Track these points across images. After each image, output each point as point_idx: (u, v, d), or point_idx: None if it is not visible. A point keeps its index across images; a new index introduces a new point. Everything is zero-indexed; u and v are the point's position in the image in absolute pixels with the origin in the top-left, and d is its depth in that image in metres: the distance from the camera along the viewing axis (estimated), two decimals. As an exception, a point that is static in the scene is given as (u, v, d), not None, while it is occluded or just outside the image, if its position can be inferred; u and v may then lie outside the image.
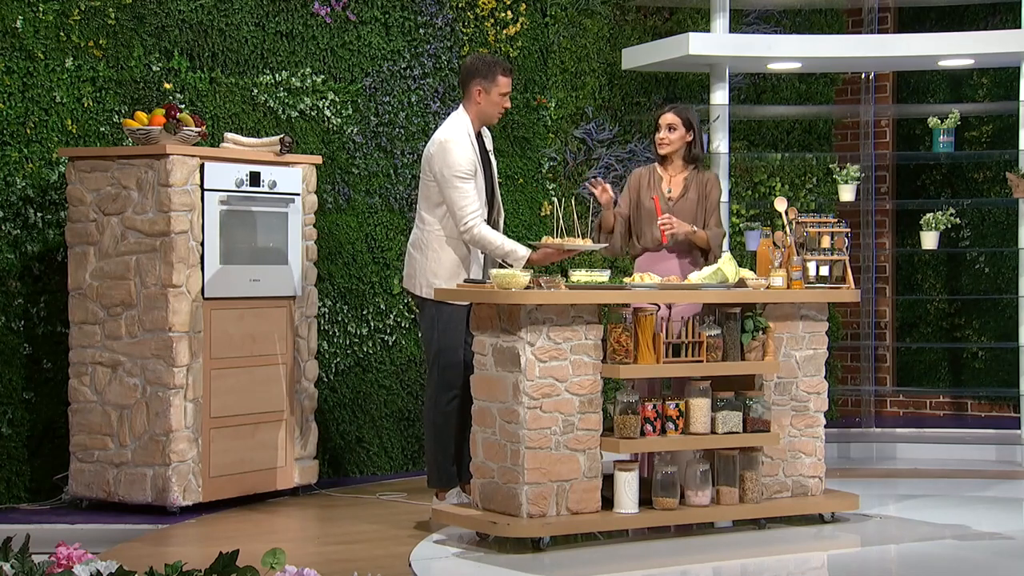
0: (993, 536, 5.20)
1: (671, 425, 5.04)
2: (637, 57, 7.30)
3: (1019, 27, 7.19)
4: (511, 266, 5.12)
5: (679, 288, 5.16)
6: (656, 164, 5.62)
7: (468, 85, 5.28)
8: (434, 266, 5.25)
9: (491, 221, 5.33)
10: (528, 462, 4.76)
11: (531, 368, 4.77)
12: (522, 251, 5.19)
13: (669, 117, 5.53)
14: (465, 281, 5.18)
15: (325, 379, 6.41)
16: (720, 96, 7.26)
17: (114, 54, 5.90)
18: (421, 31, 6.81)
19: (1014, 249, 7.34)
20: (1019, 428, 7.21)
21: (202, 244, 5.53)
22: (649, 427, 4.99)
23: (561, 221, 5.30)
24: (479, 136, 5.32)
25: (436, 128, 5.50)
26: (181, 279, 5.45)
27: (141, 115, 5.59)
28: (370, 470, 6.58)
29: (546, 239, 5.17)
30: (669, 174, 5.58)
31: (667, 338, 5.02)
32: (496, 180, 5.42)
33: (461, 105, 5.33)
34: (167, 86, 5.99)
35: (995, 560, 4.83)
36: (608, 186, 5.41)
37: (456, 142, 5.18)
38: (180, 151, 5.47)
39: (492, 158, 5.40)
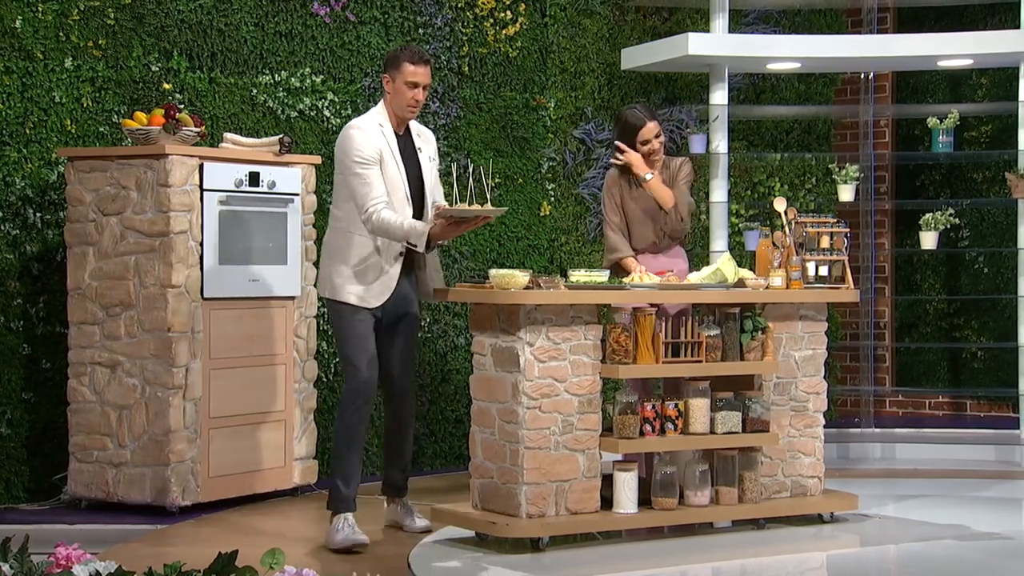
0: (992, 536, 5.19)
1: (670, 425, 5.03)
2: (636, 57, 7.30)
3: (1018, 27, 7.18)
4: (415, 247, 4.76)
5: (679, 288, 5.15)
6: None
7: (382, 76, 4.97)
8: (340, 264, 4.90)
9: None
10: (527, 462, 4.75)
11: (530, 368, 4.76)
12: (420, 227, 4.75)
13: (653, 127, 5.45)
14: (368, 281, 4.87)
15: (324, 379, 6.40)
16: (719, 96, 7.25)
17: (113, 54, 5.90)
18: (420, 31, 6.81)
19: (1013, 249, 7.33)
20: (1018, 428, 7.20)
21: (201, 244, 5.52)
22: (648, 427, 4.98)
23: (454, 188, 4.95)
24: (406, 132, 4.97)
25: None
26: (180, 279, 5.44)
27: (140, 115, 5.59)
28: (369, 470, 6.57)
29: (440, 206, 4.76)
30: (645, 171, 5.49)
31: (666, 338, 5.02)
32: (428, 182, 4.98)
33: (381, 100, 5.02)
34: (166, 86, 5.99)
35: (994, 560, 4.83)
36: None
37: (360, 129, 4.85)
38: (179, 151, 5.46)
39: (422, 158, 4.98)
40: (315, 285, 5.25)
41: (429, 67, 4.93)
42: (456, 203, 4.76)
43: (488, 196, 4.86)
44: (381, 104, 4.98)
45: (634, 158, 5.46)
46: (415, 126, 5.05)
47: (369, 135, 4.85)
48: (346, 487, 4.89)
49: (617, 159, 5.49)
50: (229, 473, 5.63)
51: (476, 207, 4.71)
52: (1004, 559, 4.88)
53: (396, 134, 4.93)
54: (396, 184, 4.87)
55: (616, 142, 5.52)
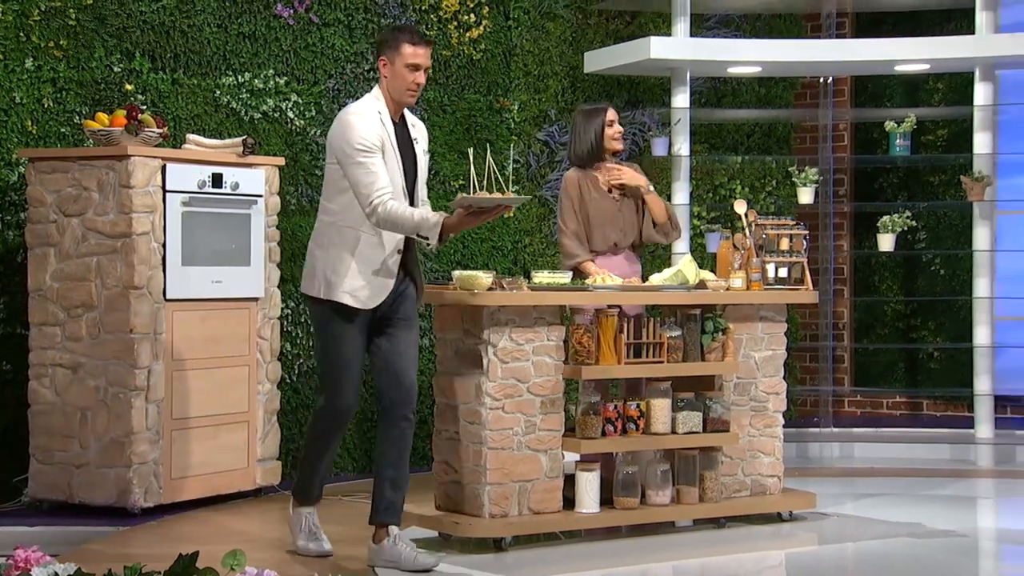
0: (947, 534, 5.24)
1: (632, 425, 5.05)
2: (599, 60, 7.32)
3: (973, 33, 7.27)
4: (426, 239, 4.37)
5: (640, 289, 5.17)
6: (579, 167, 5.45)
7: (377, 60, 4.58)
8: (334, 261, 4.45)
9: None
10: (490, 462, 4.75)
11: (493, 369, 4.76)
12: (433, 217, 4.33)
13: (613, 112, 5.49)
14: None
15: (288, 380, 6.37)
16: (681, 99, 7.29)
17: (75, 55, 5.84)
18: (384, 33, 6.78)
19: (969, 251, 7.41)
20: (973, 428, 7.28)
21: (164, 245, 5.48)
22: (610, 427, 4.99)
23: (474, 177, 4.46)
24: (401, 122, 4.57)
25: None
26: (142, 280, 5.39)
27: (102, 116, 5.54)
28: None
29: (459, 195, 4.37)
30: (599, 173, 5.47)
31: (628, 339, 5.03)
32: (421, 176, 4.61)
33: (376, 85, 4.61)
34: (129, 87, 5.94)
35: (949, 558, 4.88)
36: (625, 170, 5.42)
37: (359, 115, 4.45)
38: (141, 152, 5.42)
39: (417, 150, 4.60)
40: (276, 286, 5.19)
41: (430, 48, 4.55)
42: (474, 192, 4.38)
43: (507, 185, 4.57)
44: (377, 90, 4.55)
45: (627, 175, 5.45)
46: (409, 116, 4.65)
47: (370, 122, 4.44)
48: (310, 480, 4.68)
49: (615, 179, 5.43)
50: (192, 474, 5.59)
51: (497, 195, 4.37)
52: (959, 556, 4.94)
53: (393, 122, 4.52)
54: (394, 176, 4.45)
55: (608, 165, 5.45)
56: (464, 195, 4.34)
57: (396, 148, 4.48)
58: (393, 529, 4.51)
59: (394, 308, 4.53)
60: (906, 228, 7.43)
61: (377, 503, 4.53)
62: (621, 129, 5.50)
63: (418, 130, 4.66)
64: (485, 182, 4.43)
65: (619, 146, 5.49)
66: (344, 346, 4.47)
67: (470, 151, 4.59)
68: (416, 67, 4.48)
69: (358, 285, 4.44)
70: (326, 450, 4.67)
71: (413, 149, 4.58)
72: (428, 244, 4.41)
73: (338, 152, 4.45)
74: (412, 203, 4.52)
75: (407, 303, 4.57)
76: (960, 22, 7.52)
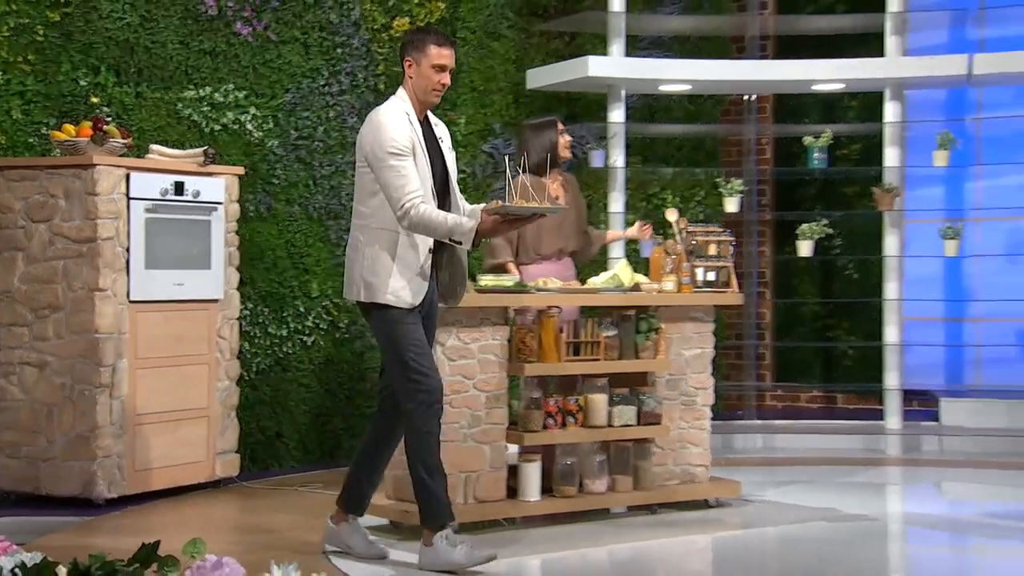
0: (859, 518, 5.31)
1: (571, 419, 5.05)
2: (541, 78, 7.32)
3: (883, 56, 7.38)
4: (459, 243, 4.13)
5: (580, 292, 5.17)
6: (534, 174, 5.31)
7: (401, 61, 4.32)
8: (371, 263, 4.18)
9: None
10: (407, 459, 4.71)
11: (442, 366, 4.74)
12: (468, 223, 4.10)
13: (560, 124, 5.51)
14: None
15: (246, 378, 6.30)
16: (617, 115, 7.31)
17: (43, 69, 5.74)
18: (339, 51, 6.74)
19: (879, 257, 7.51)
20: (883, 419, 7.38)
21: (128, 250, 5.40)
22: (551, 421, 4.99)
23: (511, 185, 4.22)
24: (425, 121, 4.31)
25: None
26: (107, 283, 5.31)
27: (69, 127, 5.45)
28: (288, 463, 6.49)
29: (495, 202, 4.18)
30: (550, 181, 5.44)
31: (568, 338, 5.04)
32: (452, 176, 4.35)
33: (400, 87, 4.34)
34: (94, 100, 5.84)
35: (861, 540, 4.94)
36: (648, 227, 5.69)
37: (390, 116, 4.19)
38: (106, 161, 5.33)
39: (444, 149, 4.34)
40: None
41: (454, 49, 4.30)
42: (510, 199, 4.16)
43: (546, 195, 4.36)
44: (401, 91, 4.28)
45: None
46: (431, 116, 4.37)
47: (400, 123, 4.18)
48: (435, 500, 4.19)
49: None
50: (154, 467, 5.50)
51: (534, 204, 4.18)
52: (869, 538, 5.00)
53: (420, 122, 4.26)
54: (424, 177, 4.19)
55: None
56: (501, 202, 4.15)
57: (425, 149, 4.23)
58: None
59: (425, 309, 4.29)
60: (823, 235, 7.52)
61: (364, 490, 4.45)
62: (570, 138, 5.55)
63: (441, 128, 4.40)
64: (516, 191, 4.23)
65: (569, 154, 5.53)
66: (410, 331, 4.16)
67: (506, 160, 4.37)
68: (442, 67, 4.24)
69: (399, 285, 4.17)
70: (435, 449, 4.19)
71: (440, 147, 4.33)
72: (462, 247, 4.17)
73: (369, 154, 4.19)
74: (442, 203, 4.26)
75: (434, 307, 4.35)
76: (872, 46, 7.62)
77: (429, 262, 4.22)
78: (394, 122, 4.17)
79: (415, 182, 4.12)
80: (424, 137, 4.25)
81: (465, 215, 4.28)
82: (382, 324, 4.19)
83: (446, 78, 4.25)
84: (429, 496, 4.18)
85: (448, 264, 4.31)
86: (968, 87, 7.54)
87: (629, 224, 7.52)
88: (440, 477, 4.20)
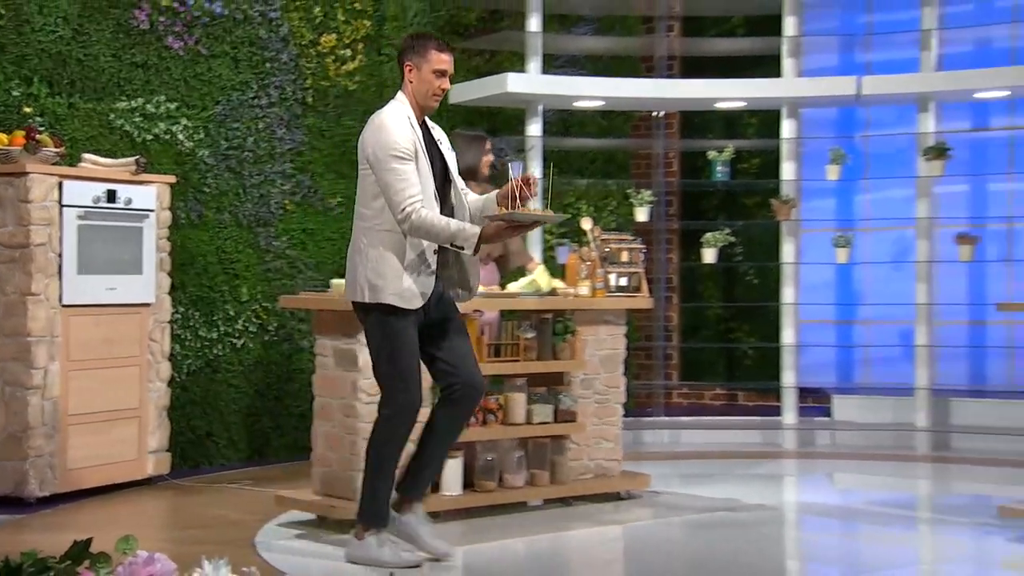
0: (758, 508, 5.39)
1: (492, 417, 5.04)
2: (463, 93, 7.32)
3: (780, 76, 7.52)
4: (461, 248, 3.96)
5: (501, 296, 5.17)
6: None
7: (401, 65, 4.14)
8: (376, 264, 3.99)
9: None
10: (364, 451, 4.68)
11: (367, 368, 4.70)
12: (471, 228, 3.94)
13: (489, 143, 5.54)
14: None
15: (177, 379, 6.17)
16: (535, 129, 7.34)
17: (-25, 77, 5.56)
18: (267, 65, 6.65)
19: (777, 264, 7.65)
20: (780, 415, 7.51)
21: (60, 255, 5.26)
22: (472, 418, 4.98)
23: (516, 190, 4.03)
24: (423, 125, 4.15)
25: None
26: (40, 288, 5.16)
27: (2, 136, 5.28)
28: (219, 461, 6.38)
29: (500, 209, 4.02)
30: (478, 192, 5.47)
31: (489, 340, 5.03)
32: (453, 178, 4.17)
33: (400, 91, 4.18)
34: (27, 110, 5.67)
35: (760, 527, 5.02)
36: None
37: (393, 119, 4.03)
38: (39, 170, 5.19)
39: (443, 151, 4.17)
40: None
41: (453, 55, 4.16)
42: (514, 206, 4.00)
43: (547, 201, 4.23)
44: (401, 94, 4.12)
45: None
46: (426, 119, 4.20)
47: (403, 126, 4.02)
48: (377, 501, 4.09)
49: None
50: (86, 466, 5.36)
51: (537, 212, 4.02)
52: (767, 526, 5.08)
53: (419, 126, 4.12)
54: (426, 180, 4.03)
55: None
56: (504, 209, 3.99)
57: (425, 152, 4.07)
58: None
59: (440, 310, 4.12)
60: (726, 243, 7.63)
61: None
62: (492, 159, 5.59)
63: (438, 131, 4.23)
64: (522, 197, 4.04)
65: (487, 172, 5.58)
66: (404, 344, 4.00)
67: (510, 167, 4.15)
68: (443, 72, 4.09)
69: (404, 286, 3.99)
70: (394, 458, 4.09)
71: (439, 149, 4.17)
72: (464, 252, 4.01)
73: (370, 156, 4.03)
74: (442, 205, 4.09)
75: (450, 306, 4.17)
76: (769, 67, 7.76)
77: (435, 262, 4.07)
78: (396, 125, 4.03)
79: (416, 186, 3.97)
80: (424, 140, 4.11)
81: (472, 211, 4.12)
82: (381, 325, 4.02)
83: (446, 83, 4.11)
84: (373, 498, 4.11)
85: (456, 261, 4.15)
86: (857, 106, 7.71)
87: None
88: (388, 483, 4.11)
